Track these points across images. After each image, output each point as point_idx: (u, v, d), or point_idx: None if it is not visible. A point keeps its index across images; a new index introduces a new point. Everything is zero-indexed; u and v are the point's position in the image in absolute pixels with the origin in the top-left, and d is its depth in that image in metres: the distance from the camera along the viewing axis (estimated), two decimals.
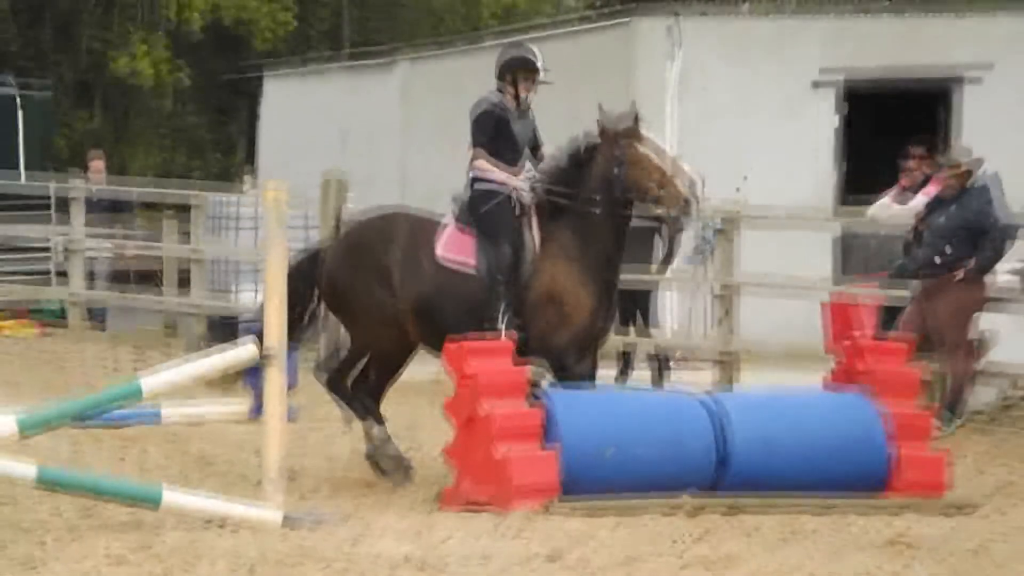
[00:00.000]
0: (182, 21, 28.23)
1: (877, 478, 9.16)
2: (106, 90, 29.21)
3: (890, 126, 18.18)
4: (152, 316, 18.99)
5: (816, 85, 19.69)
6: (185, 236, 18.53)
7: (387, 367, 9.94)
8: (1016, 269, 12.91)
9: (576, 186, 9.32)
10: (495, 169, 9.48)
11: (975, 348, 12.00)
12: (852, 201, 18.89)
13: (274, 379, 8.17)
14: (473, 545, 7.71)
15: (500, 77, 9.64)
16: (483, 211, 9.45)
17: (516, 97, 9.57)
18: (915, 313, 11.94)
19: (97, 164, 20.75)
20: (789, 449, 8.96)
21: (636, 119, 9.30)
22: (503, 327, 9.23)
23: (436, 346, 9.40)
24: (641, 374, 14.19)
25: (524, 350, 9.25)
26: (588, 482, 8.74)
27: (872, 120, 19.80)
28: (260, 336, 8.22)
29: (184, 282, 18.31)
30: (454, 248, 9.49)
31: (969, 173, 11.93)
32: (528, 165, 9.61)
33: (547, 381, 10.59)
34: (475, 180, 9.56)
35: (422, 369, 14.72)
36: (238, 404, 11.53)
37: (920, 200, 12.49)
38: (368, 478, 9.67)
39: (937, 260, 11.81)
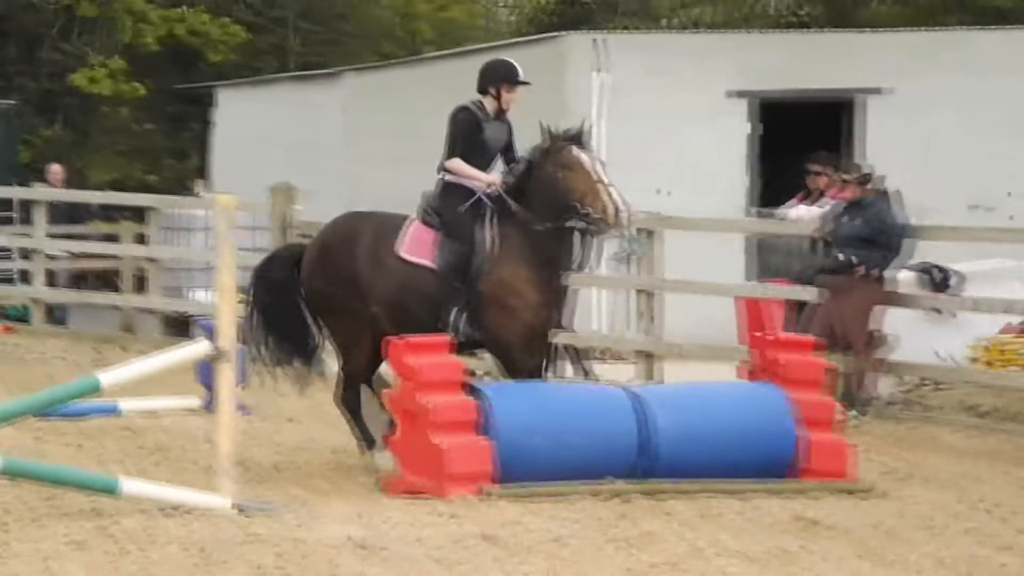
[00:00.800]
0: (138, 44, 28.16)
1: (785, 463, 9.25)
2: (67, 103, 29.04)
3: (798, 138, 18.36)
4: (110, 316, 18.92)
5: (730, 96, 19.84)
6: (141, 239, 18.48)
7: (372, 369, 9.82)
8: (914, 268, 13.10)
9: (528, 190, 9.29)
10: (476, 172, 9.44)
11: (876, 343, 12.13)
12: (764, 207, 19.09)
13: (225, 375, 8.19)
14: (412, 528, 7.76)
15: (483, 89, 9.60)
16: (446, 209, 9.43)
17: (499, 106, 9.55)
18: (823, 311, 12.06)
19: (55, 170, 20.66)
20: (706, 437, 9.03)
21: (581, 128, 9.31)
22: (453, 324, 9.19)
23: None
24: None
25: (475, 345, 9.23)
26: (521, 470, 8.78)
27: (781, 132, 20.00)
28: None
29: (140, 283, 18.26)
30: (416, 245, 9.45)
31: (869, 182, 12.07)
32: (501, 167, 9.56)
33: (484, 375, 10.65)
34: (446, 179, 9.53)
35: None
36: (191, 398, 11.59)
37: (825, 205, 12.64)
38: (313, 466, 9.70)
39: (843, 260, 11.93)
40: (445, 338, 9.26)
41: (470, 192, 9.41)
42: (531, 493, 8.68)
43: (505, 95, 9.54)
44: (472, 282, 9.23)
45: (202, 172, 25.63)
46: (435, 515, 8.11)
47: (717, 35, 22.23)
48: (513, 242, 9.24)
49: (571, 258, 9.24)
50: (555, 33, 22.50)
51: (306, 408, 12.23)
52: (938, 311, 13.10)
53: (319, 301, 9.75)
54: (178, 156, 32.95)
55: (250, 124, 24.04)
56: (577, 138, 9.26)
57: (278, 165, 22.46)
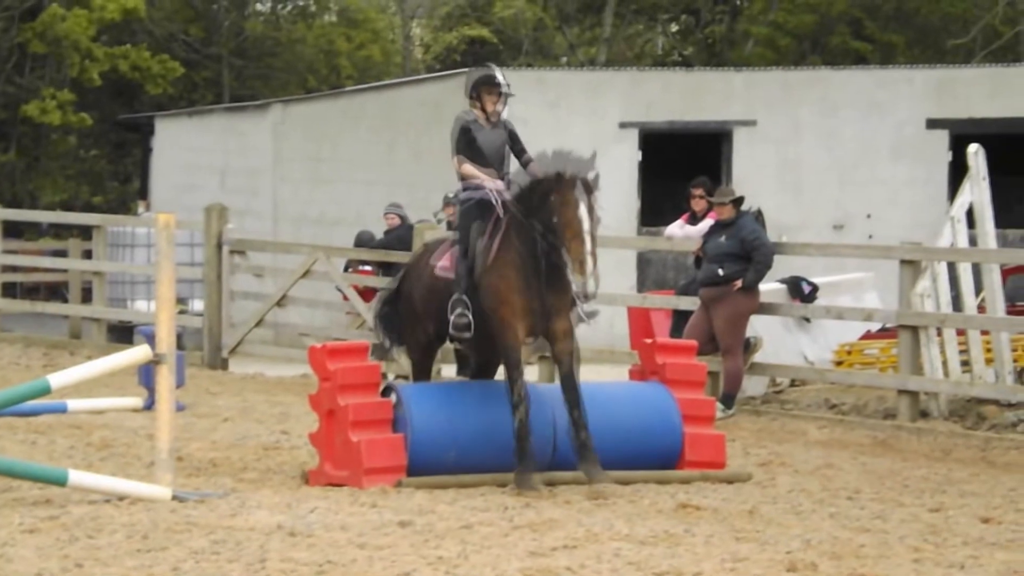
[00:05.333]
0: (84, 80, 27.88)
1: (671, 455, 9.28)
2: (20, 131, 28.65)
3: (679, 165, 18.52)
4: (59, 324, 18.64)
5: (623, 127, 19.95)
6: (88, 255, 18.24)
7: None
8: (784, 281, 13.21)
9: (528, 211, 8.83)
10: (478, 173, 9.09)
11: (748, 348, 12.21)
12: (648, 227, 19.22)
13: (164, 377, 8.09)
14: (335, 516, 7.69)
15: (469, 95, 9.23)
16: (459, 226, 9.13)
17: (484, 111, 9.16)
18: (700, 319, 12.12)
19: None
20: (601, 432, 8.96)
21: (595, 178, 8.79)
22: (454, 326, 8.87)
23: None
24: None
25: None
26: (437, 463, 8.72)
27: (665, 160, 20.16)
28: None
29: (87, 294, 18.01)
30: (447, 261, 9.15)
31: (741, 204, 12.16)
32: (510, 172, 9.15)
33: (397, 378, 10.54)
34: (461, 198, 9.17)
35: (291, 369, 14.71)
36: (133, 398, 11.44)
37: (705, 224, 12.71)
38: (246, 461, 9.61)
39: (720, 273, 11.99)
40: (364, 343, 9.20)
41: (482, 210, 9.01)
42: (442, 483, 8.65)
43: (486, 100, 9.14)
44: (471, 288, 8.91)
45: (143, 194, 25.36)
46: (357, 504, 8.05)
47: (609, 72, 22.37)
48: (512, 250, 8.85)
49: (558, 275, 8.71)
50: (462, 70, 22.53)
51: (240, 408, 12.13)
52: (807, 319, 13.24)
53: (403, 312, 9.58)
54: (121, 179, 32.64)
55: (187, 150, 23.82)
56: (587, 186, 8.75)
57: (212, 188, 22.30)
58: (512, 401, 8.68)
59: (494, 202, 8.95)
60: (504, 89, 9.14)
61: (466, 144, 9.12)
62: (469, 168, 9.09)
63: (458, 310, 8.90)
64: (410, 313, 9.42)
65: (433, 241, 9.92)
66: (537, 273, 8.77)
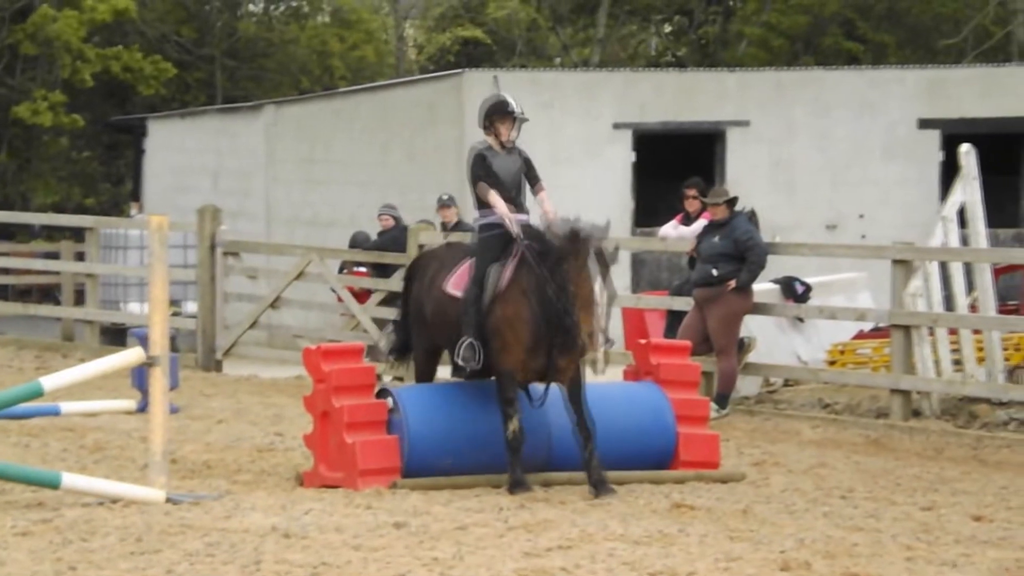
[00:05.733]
0: (76, 81, 27.85)
1: (666, 455, 9.29)
2: (11, 133, 28.62)
3: (673, 165, 18.54)
4: (52, 326, 18.64)
5: (617, 127, 19.97)
6: (81, 257, 18.23)
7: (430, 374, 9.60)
8: (777, 281, 13.23)
9: (544, 262, 8.73)
10: (500, 203, 9.03)
11: (742, 348, 12.23)
12: (642, 227, 19.24)
13: (158, 379, 8.09)
14: (331, 517, 7.70)
15: (482, 125, 9.18)
16: (476, 248, 9.11)
17: (498, 139, 9.16)
18: (694, 319, 12.14)
19: None
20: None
21: (614, 251, 8.78)
22: (462, 355, 8.85)
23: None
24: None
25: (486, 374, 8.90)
26: (433, 469, 8.72)
27: (658, 160, 20.17)
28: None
29: (80, 296, 18.01)
30: (460, 280, 9.09)
31: (735, 204, 12.18)
32: (530, 202, 9.13)
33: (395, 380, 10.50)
34: (479, 220, 9.14)
35: (285, 371, 14.71)
36: (126, 400, 11.45)
37: (699, 225, 12.72)
38: (240, 463, 9.61)
39: (714, 274, 12.01)
40: (359, 345, 9.20)
41: (500, 234, 8.99)
42: (437, 485, 8.66)
43: (499, 128, 9.15)
44: (480, 313, 8.87)
45: (136, 196, 25.34)
46: (351, 506, 8.06)
47: (603, 73, 22.38)
48: (523, 283, 8.80)
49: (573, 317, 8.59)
50: (456, 71, 22.55)
51: (234, 410, 12.13)
52: (800, 319, 13.26)
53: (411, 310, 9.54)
54: (113, 181, 32.61)
55: (179, 152, 23.82)
56: (603, 259, 8.64)
57: (205, 189, 22.29)
58: (506, 434, 8.69)
59: (514, 236, 8.90)
60: (518, 115, 9.16)
61: (484, 172, 9.09)
62: (494, 197, 9.02)
63: (466, 352, 8.83)
64: (418, 316, 9.39)
65: (444, 248, 9.84)
66: (546, 316, 8.68)
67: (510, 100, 9.24)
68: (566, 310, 8.57)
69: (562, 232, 8.69)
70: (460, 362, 8.93)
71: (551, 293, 8.66)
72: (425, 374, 9.54)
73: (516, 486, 8.64)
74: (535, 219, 9.10)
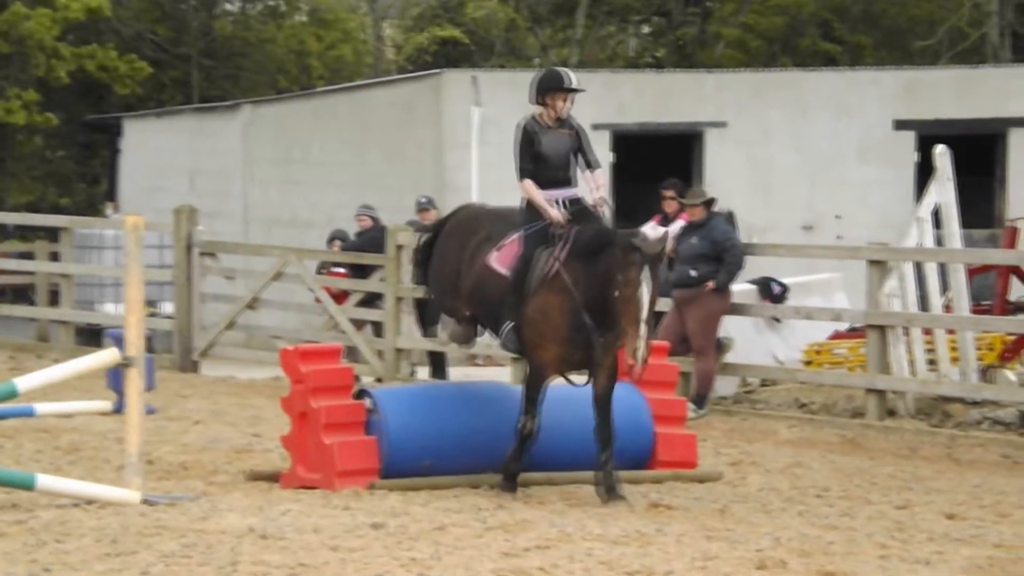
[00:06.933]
0: (51, 79, 27.73)
1: (643, 455, 9.31)
2: None
3: (651, 166, 18.56)
4: (26, 326, 18.57)
5: (596, 128, 20.00)
6: (55, 257, 18.16)
7: None
8: (754, 282, 13.28)
9: (591, 261, 8.54)
10: (544, 203, 8.69)
11: (720, 348, 12.27)
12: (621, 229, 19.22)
13: (133, 380, 8.08)
14: (308, 518, 7.69)
15: (536, 99, 8.77)
16: (525, 227, 8.80)
17: (553, 112, 8.73)
18: (673, 320, 12.17)
19: None
20: (573, 432, 8.94)
21: (660, 254, 8.50)
22: (504, 336, 8.72)
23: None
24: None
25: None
26: (412, 466, 8.71)
27: (637, 161, 20.20)
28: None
29: (54, 297, 17.94)
30: (505, 256, 8.80)
31: (710, 206, 12.21)
32: (574, 192, 8.82)
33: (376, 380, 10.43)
34: (526, 209, 8.87)
35: (262, 372, 14.69)
36: (102, 401, 11.41)
37: (676, 226, 12.73)
38: (217, 463, 9.60)
39: (692, 275, 12.05)
40: (337, 346, 9.19)
41: (547, 238, 8.75)
42: (415, 485, 8.66)
43: (555, 103, 8.70)
44: (522, 299, 8.66)
45: (111, 195, 25.28)
46: (329, 507, 8.06)
47: (581, 73, 22.40)
48: (569, 277, 8.59)
49: (608, 310, 8.39)
50: (434, 71, 22.55)
51: (211, 411, 12.11)
52: (777, 320, 13.31)
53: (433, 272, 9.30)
54: (89, 181, 32.48)
55: (155, 152, 23.76)
56: (655, 258, 8.43)
57: (181, 189, 22.24)
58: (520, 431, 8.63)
59: (556, 235, 8.67)
60: (575, 87, 8.79)
61: (530, 157, 8.77)
62: (537, 196, 8.75)
63: (510, 336, 8.68)
64: (450, 281, 9.07)
65: (491, 214, 9.31)
66: (589, 314, 8.49)
67: (566, 74, 8.88)
68: (612, 319, 8.34)
69: (622, 242, 8.46)
70: (502, 348, 8.81)
71: (596, 294, 8.42)
72: (433, 319, 9.25)
73: (508, 479, 8.61)
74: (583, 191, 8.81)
